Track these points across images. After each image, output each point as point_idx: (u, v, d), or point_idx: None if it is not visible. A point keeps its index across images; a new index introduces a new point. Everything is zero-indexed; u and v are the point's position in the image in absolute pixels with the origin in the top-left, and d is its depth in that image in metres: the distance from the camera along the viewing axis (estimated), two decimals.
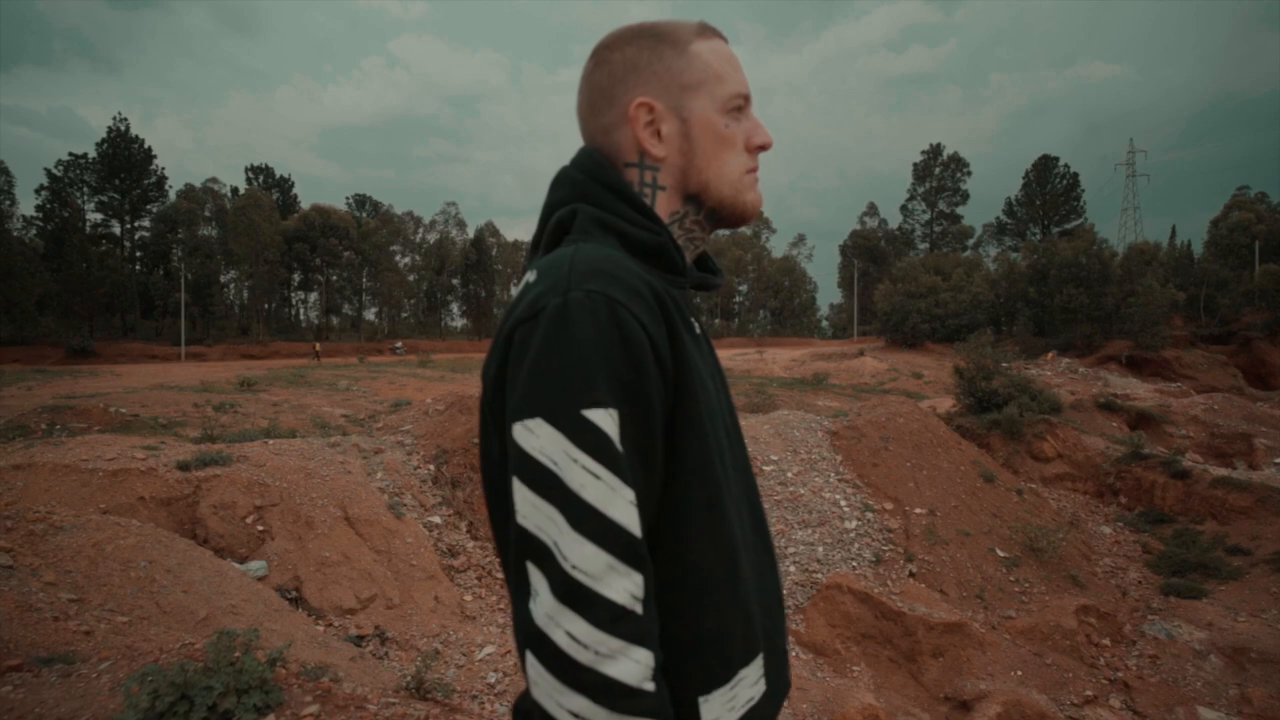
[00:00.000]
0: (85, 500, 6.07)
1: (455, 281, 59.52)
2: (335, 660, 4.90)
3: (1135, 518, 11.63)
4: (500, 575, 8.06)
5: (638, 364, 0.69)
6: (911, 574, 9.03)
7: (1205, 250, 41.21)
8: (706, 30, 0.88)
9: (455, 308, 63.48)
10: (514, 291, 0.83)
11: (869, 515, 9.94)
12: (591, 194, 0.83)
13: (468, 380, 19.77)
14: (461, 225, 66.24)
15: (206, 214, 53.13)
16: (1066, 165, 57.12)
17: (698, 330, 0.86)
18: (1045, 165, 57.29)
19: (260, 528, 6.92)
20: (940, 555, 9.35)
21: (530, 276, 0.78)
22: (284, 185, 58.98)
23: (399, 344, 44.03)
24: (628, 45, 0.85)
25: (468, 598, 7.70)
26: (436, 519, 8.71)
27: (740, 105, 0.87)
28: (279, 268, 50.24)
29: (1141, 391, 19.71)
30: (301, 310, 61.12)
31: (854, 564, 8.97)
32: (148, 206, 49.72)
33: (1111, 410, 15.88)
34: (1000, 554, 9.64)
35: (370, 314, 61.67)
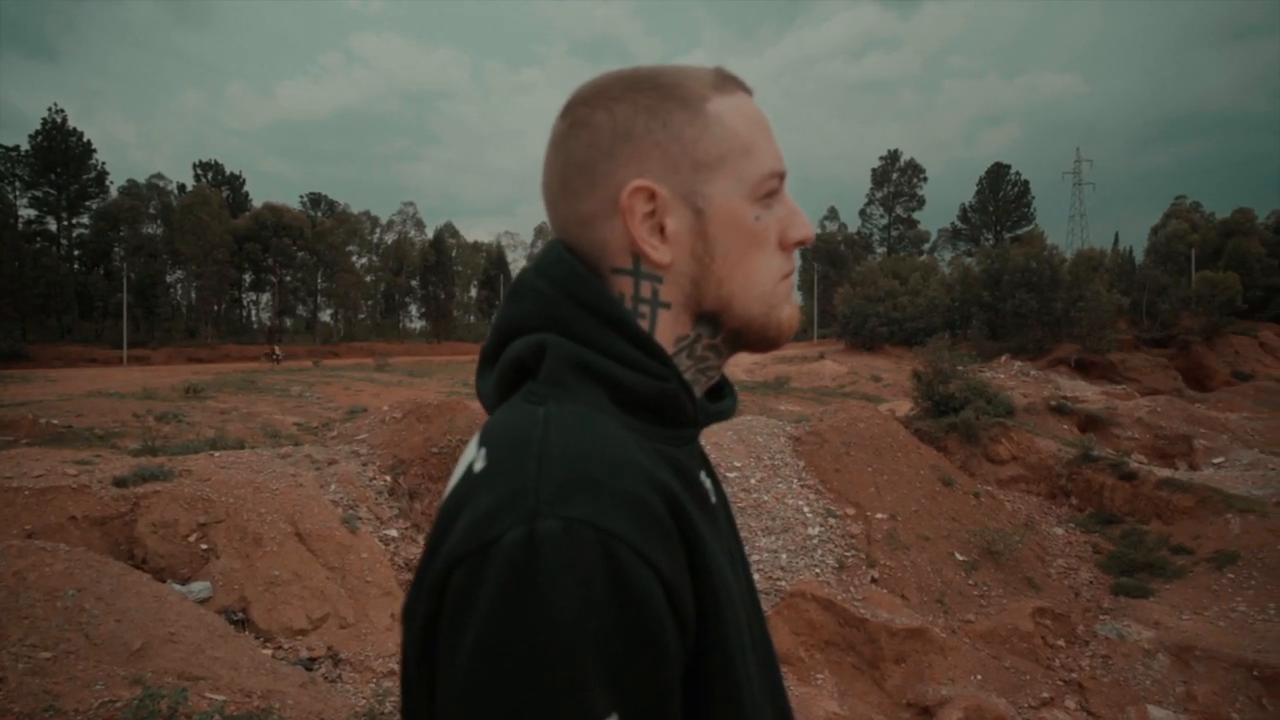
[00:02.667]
0: (9, 522, 5.67)
1: (414, 283, 58.49)
2: (283, 688, 4.66)
3: (1086, 519, 11.96)
4: None
5: (650, 640, 0.46)
6: (874, 579, 9.10)
7: (1146, 257, 43.00)
8: (726, 82, 0.63)
9: (414, 309, 62.41)
10: (452, 478, 0.55)
11: (831, 521, 9.99)
12: (566, 318, 0.58)
13: (426, 385, 19.37)
14: (420, 225, 65.23)
15: (151, 211, 51.14)
16: (1018, 172, 59.01)
17: (713, 499, 0.63)
18: (997, 172, 59.04)
19: (204, 546, 6.58)
20: (901, 560, 9.45)
21: (476, 459, 0.52)
22: (234, 182, 57.19)
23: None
24: (617, 103, 0.60)
25: None
26: (393, 532, 8.45)
27: (774, 188, 0.63)
28: (229, 268, 48.63)
29: (1089, 394, 20.38)
30: (253, 312, 59.36)
31: (817, 570, 8.99)
32: (86, 203, 47.59)
33: (1063, 413, 16.35)
34: (959, 558, 9.79)
35: (326, 315, 60.22)
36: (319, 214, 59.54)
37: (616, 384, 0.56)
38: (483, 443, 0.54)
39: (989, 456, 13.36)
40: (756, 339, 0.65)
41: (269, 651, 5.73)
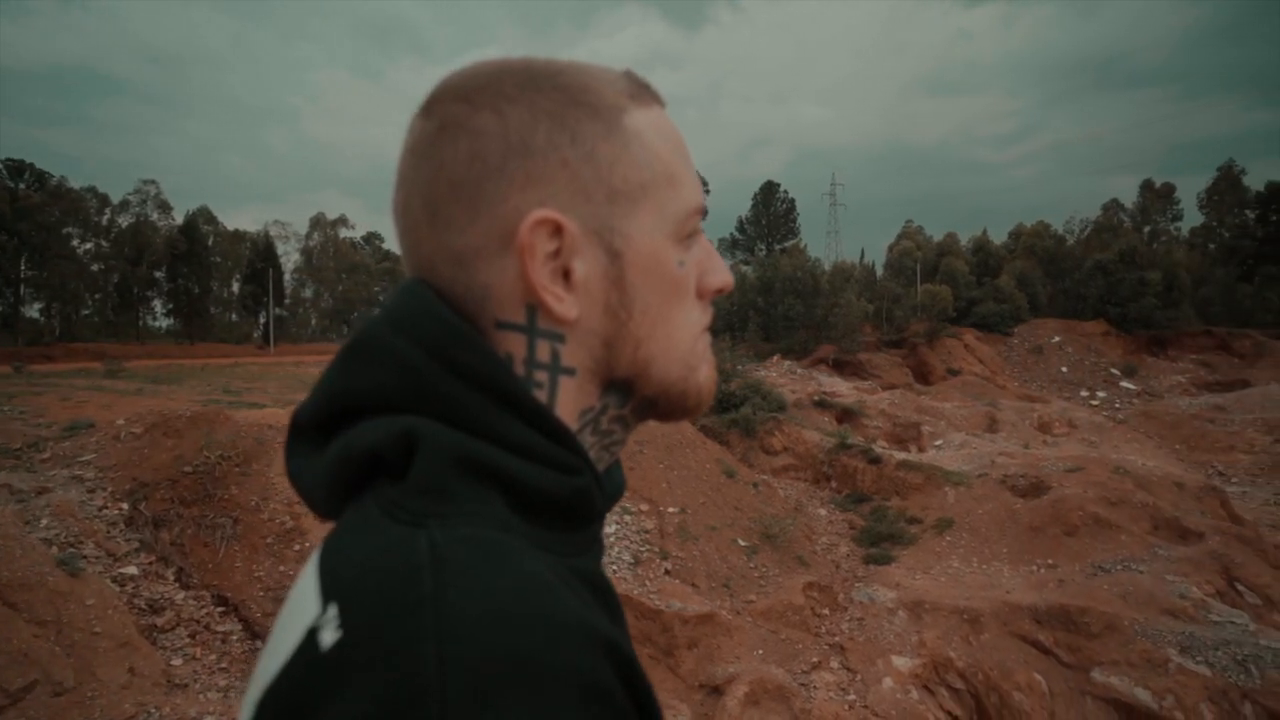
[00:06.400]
0: None
1: (159, 274, 50.25)
2: None
3: (844, 499, 13.65)
4: (220, 629, 6.87)
5: None
6: (667, 571, 9.55)
7: (884, 270, 50.37)
8: (642, 91, 0.51)
9: (159, 305, 53.62)
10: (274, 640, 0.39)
11: (627, 518, 10.31)
12: (441, 394, 0.43)
13: (176, 393, 16.72)
14: (166, 208, 56.12)
15: None
16: (786, 191, 65.83)
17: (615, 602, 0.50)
18: (769, 189, 65.39)
19: None
20: (692, 550, 10.03)
21: (324, 625, 0.36)
22: None
23: None
24: (511, 104, 0.46)
25: (176, 661, 6.43)
26: (131, 569, 7.16)
27: (697, 227, 0.52)
28: None
29: (844, 389, 23.33)
30: None
31: (615, 568, 9.22)
32: None
33: (824, 407, 18.54)
34: (742, 544, 10.64)
35: (34, 311, 49.51)
36: (21, 186, 48.79)
37: (517, 486, 0.42)
38: (330, 594, 0.37)
39: (765, 448, 14.72)
40: (673, 407, 0.52)
41: None
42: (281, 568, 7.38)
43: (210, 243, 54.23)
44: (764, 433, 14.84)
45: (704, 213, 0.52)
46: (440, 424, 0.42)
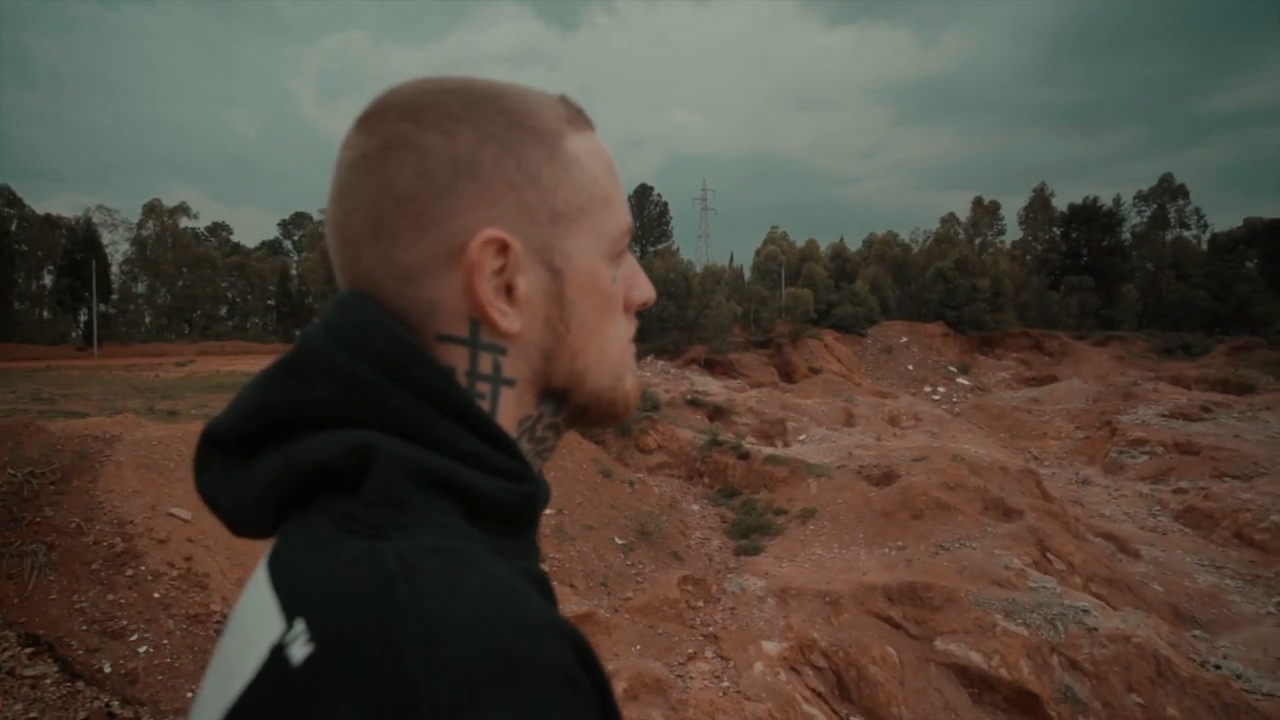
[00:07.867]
0: None
1: None
2: None
3: (716, 495, 14.16)
4: (30, 673, 6.02)
5: None
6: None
7: (752, 273, 52.83)
8: (578, 116, 0.54)
9: None
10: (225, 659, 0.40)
11: None
12: (393, 408, 0.44)
13: None
14: None
15: None
16: (660, 194, 67.25)
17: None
18: (643, 193, 66.49)
19: None
20: (569, 551, 10.03)
21: (291, 640, 0.36)
22: None
23: None
24: (458, 124, 0.48)
25: None
26: None
27: (626, 246, 0.56)
28: None
29: (715, 388, 24.20)
30: None
31: None
32: None
33: (696, 405, 19.14)
34: (618, 542, 10.77)
35: None
36: None
37: (471, 495, 0.43)
38: (293, 610, 0.37)
39: (640, 447, 14.98)
40: (603, 414, 0.56)
41: None
42: (111, 596, 6.58)
43: (13, 228, 47.25)
44: (639, 432, 15.09)
45: (632, 231, 0.56)
46: (402, 441, 0.43)
